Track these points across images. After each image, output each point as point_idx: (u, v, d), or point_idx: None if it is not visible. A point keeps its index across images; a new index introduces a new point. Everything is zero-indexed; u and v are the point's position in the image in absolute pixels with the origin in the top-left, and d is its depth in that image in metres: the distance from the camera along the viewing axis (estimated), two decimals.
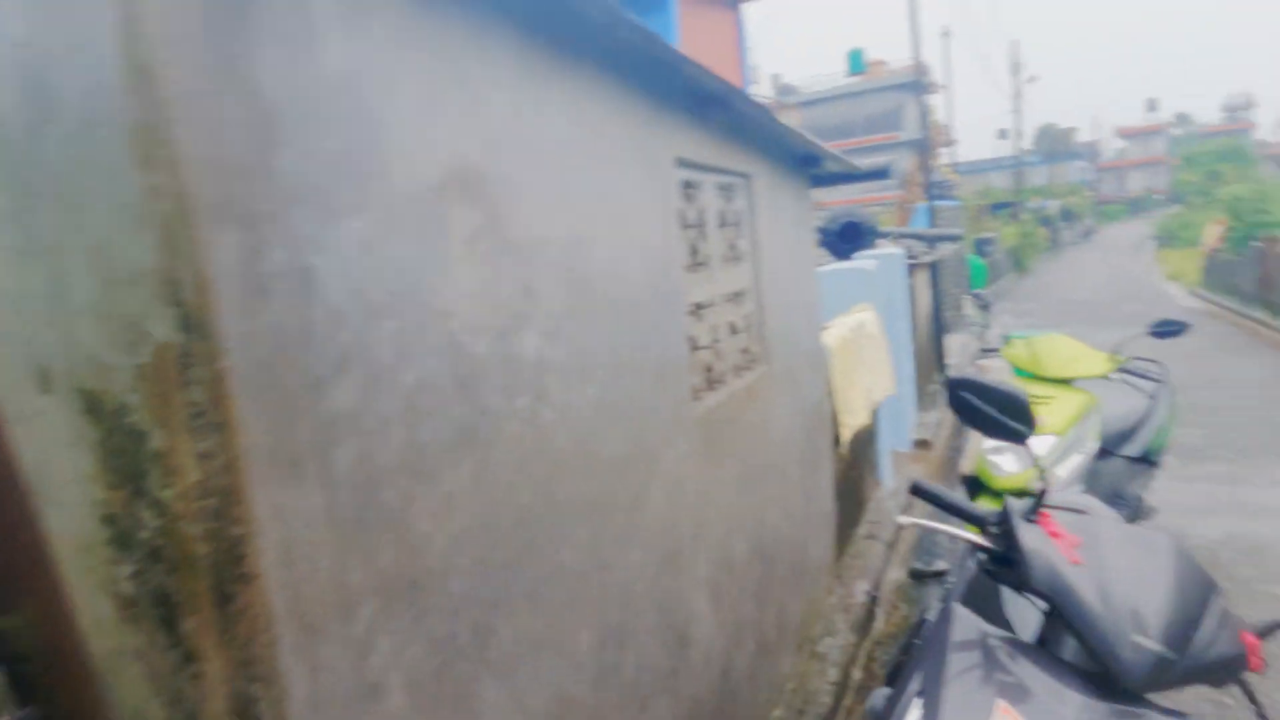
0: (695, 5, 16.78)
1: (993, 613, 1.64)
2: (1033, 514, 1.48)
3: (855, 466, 4.55)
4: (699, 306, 2.35)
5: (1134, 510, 4.16)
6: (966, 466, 3.75)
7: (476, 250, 1.33)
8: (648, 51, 1.80)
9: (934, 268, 8.84)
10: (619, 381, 1.78)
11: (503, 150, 1.41)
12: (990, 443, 3.67)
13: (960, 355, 9.27)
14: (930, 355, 8.12)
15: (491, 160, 1.37)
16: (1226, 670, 1.39)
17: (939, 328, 8.76)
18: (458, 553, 1.26)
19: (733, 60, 18.26)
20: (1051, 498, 2.21)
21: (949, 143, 35.02)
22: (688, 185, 2.30)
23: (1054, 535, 1.42)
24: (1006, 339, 4.37)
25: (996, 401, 1.51)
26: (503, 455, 1.37)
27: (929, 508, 1.79)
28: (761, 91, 35.25)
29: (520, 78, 1.46)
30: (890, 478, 5.42)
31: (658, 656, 1.91)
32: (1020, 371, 3.89)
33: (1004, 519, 1.46)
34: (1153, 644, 1.30)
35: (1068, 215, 41.91)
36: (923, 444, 6.54)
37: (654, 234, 2.00)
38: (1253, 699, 1.53)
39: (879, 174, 4.12)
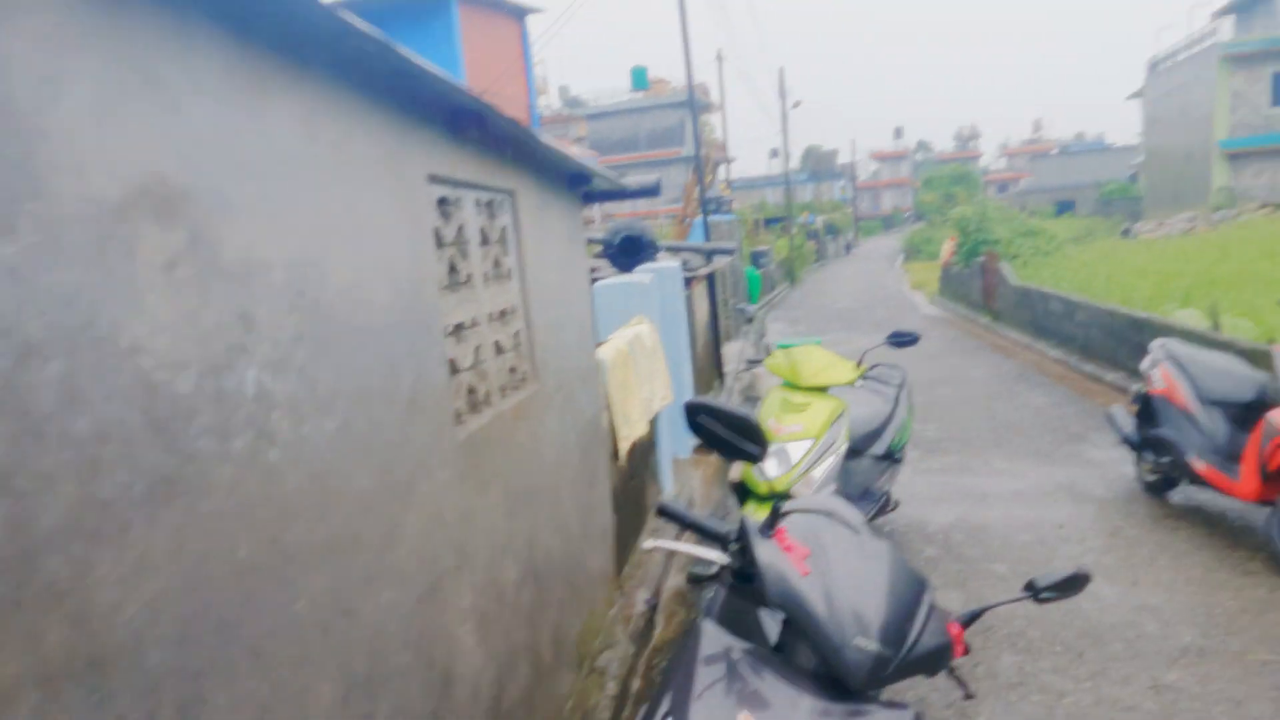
0: (478, 15, 16.57)
1: (751, 623, 1.70)
2: (769, 529, 1.55)
3: (636, 476, 4.64)
4: (460, 327, 2.28)
5: (882, 503, 4.57)
6: (734, 473, 3.93)
7: (177, 276, 1.18)
8: (388, 64, 1.71)
9: (711, 279, 9.29)
10: (365, 412, 1.67)
11: (211, 164, 1.27)
12: None
13: (738, 362, 9.80)
14: (709, 363, 8.51)
15: (195, 175, 1.23)
16: (938, 660, 1.53)
17: (717, 336, 9.21)
18: (156, 620, 1.11)
19: (518, 70, 18.22)
20: (797, 503, 2.36)
21: (727, 160, 37.05)
22: (444, 202, 2.22)
23: (787, 549, 1.51)
24: (771, 350, 4.66)
25: (731, 424, 1.57)
26: (216, 504, 1.23)
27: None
28: (549, 102, 35.47)
29: (232, 85, 1.32)
30: (672, 484, 5.60)
31: (417, 700, 1.82)
32: (782, 380, 4.15)
33: (742, 536, 1.52)
34: (873, 644, 1.40)
35: (832, 230, 45.73)
36: (703, 449, 6.83)
37: (403, 253, 1.91)
38: (960, 682, 1.69)
39: (649, 191, 4.24)
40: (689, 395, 6.72)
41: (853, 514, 2.30)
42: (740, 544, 1.53)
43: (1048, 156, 66.89)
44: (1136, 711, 3.07)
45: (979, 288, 14.73)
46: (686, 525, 1.65)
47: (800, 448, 3.76)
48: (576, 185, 3.51)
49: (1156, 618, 3.73)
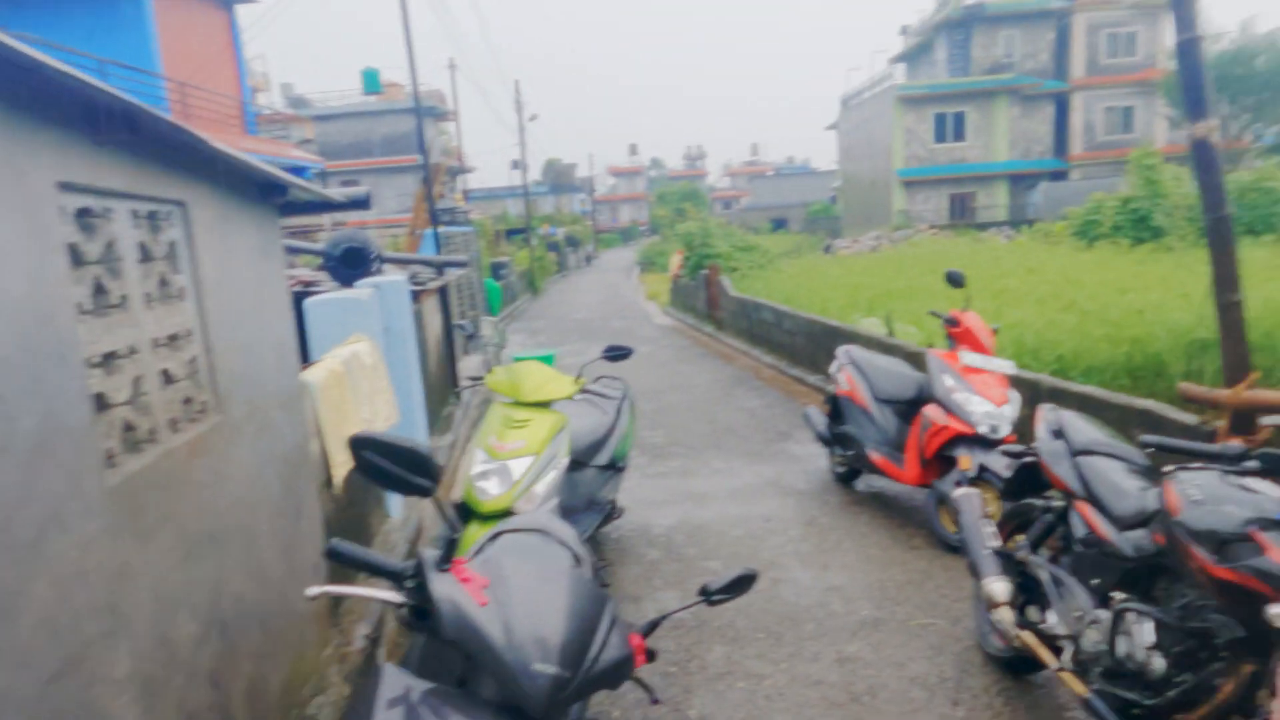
0: (178, 1, 14.94)
1: (453, 660, 1.65)
2: (446, 562, 1.52)
3: (356, 504, 4.39)
4: (113, 356, 2.01)
5: (608, 512, 4.72)
6: (456, 493, 3.85)
7: None
8: None
9: (443, 292, 9.08)
10: None
11: None
12: (478, 467, 3.82)
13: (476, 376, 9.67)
14: (443, 380, 8.31)
15: None
16: (620, 673, 1.58)
17: (452, 352, 9.02)
18: None
19: (226, 63, 16.68)
20: (512, 523, 2.34)
21: (464, 169, 36.58)
22: (87, 214, 1.94)
23: (464, 580, 1.48)
24: (509, 362, 4.64)
25: (399, 458, 1.52)
26: None
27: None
28: (271, 100, 32.83)
29: None
30: (400, 509, 5.38)
31: None
32: (504, 397, 4.14)
33: (418, 571, 1.48)
34: (551, 667, 1.41)
35: (572, 242, 46.81)
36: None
37: (20, 273, 1.64)
38: (646, 688, 1.77)
39: (359, 203, 4.04)
40: (420, 414, 6.50)
41: (565, 531, 2.33)
42: (417, 580, 1.48)
43: (764, 178, 73.45)
44: (824, 684, 3.41)
45: (704, 299, 15.78)
46: (358, 565, 1.57)
47: (522, 464, 3.77)
48: (271, 196, 3.25)
49: (841, 596, 4.19)
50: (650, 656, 1.71)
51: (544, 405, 4.06)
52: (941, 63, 37.20)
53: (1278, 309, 7.11)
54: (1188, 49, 3.81)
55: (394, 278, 6.61)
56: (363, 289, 5.62)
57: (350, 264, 6.85)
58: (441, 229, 12.60)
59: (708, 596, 1.81)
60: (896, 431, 5.27)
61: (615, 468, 4.79)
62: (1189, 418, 4.42)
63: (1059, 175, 35.02)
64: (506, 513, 3.67)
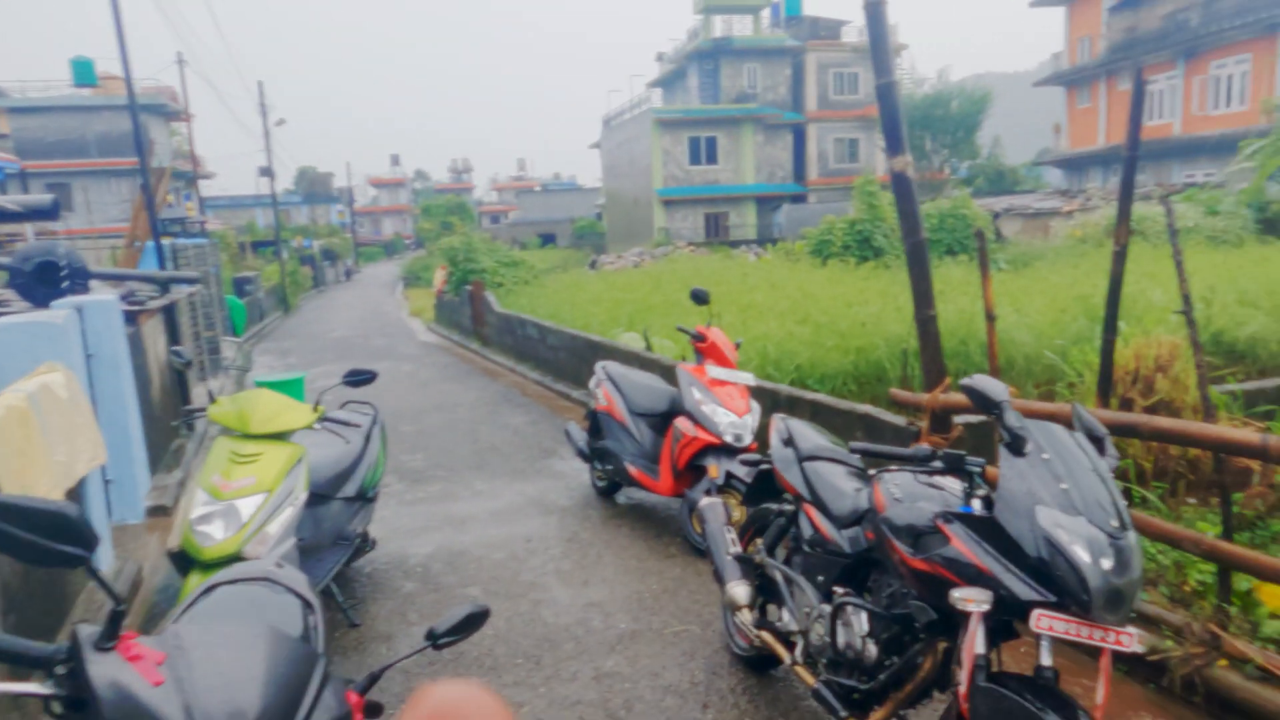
0: None
1: None
2: (110, 639, 1.30)
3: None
4: None
5: (358, 546, 4.43)
6: (174, 540, 3.43)
7: None
8: None
9: (169, 312, 8.15)
10: None
11: None
12: (198, 509, 3.43)
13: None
14: (169, 410, 7.43)
15: None
16: None
17: (180, 378, 8.10)
18: None
19: None
20: (232, 573, 2.10)
21: (202, 175, 33.33)
22: None
23: (134, 658, 1.28)
24: (249, 387, 4.20)
25: (36, 523, 1.27)
26: None
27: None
28: None
29: None
30: (112, 560, 4.71)
31: None
32: (229, 430, 3.75)
33: (72, 653, 1.25)
34: None
35: (330, 255, 44.18)
36: (161, 511, 5.91)
37: None
38: None
39: (43, 211, 3.48)
40: (138, 451, 5.76)
41: (293, 577, 2.11)
42: (71, 664, 1.25)
43: (532, 193, 73.76)
44: (581, 704, 3.41)
45: (469, 315, 15.50)
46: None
47: (252, 503, 3.43)
48: None
49: (601, 611, 4.23)
50: (373, 711, 1.59)
51: (278, 437, 3.72)
52: (694, 89, 39.50)
53: (969, 319, 8.21)
54: (885, 92, 4.28)
55: (102, 297, 5.82)
56: (58, 310, 4.89)
57: (45, 281, 5.96)
58: (170, 240, 11.33)
59: (434, 640, 1.72)
60: (652, 444, 5.44)
61: (365, 498, 4.51)
62: (900, 420, 4.95)
63: (799, 198, 38.39)
64: (234, 558, 3.32)
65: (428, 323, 19.81)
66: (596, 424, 5.93)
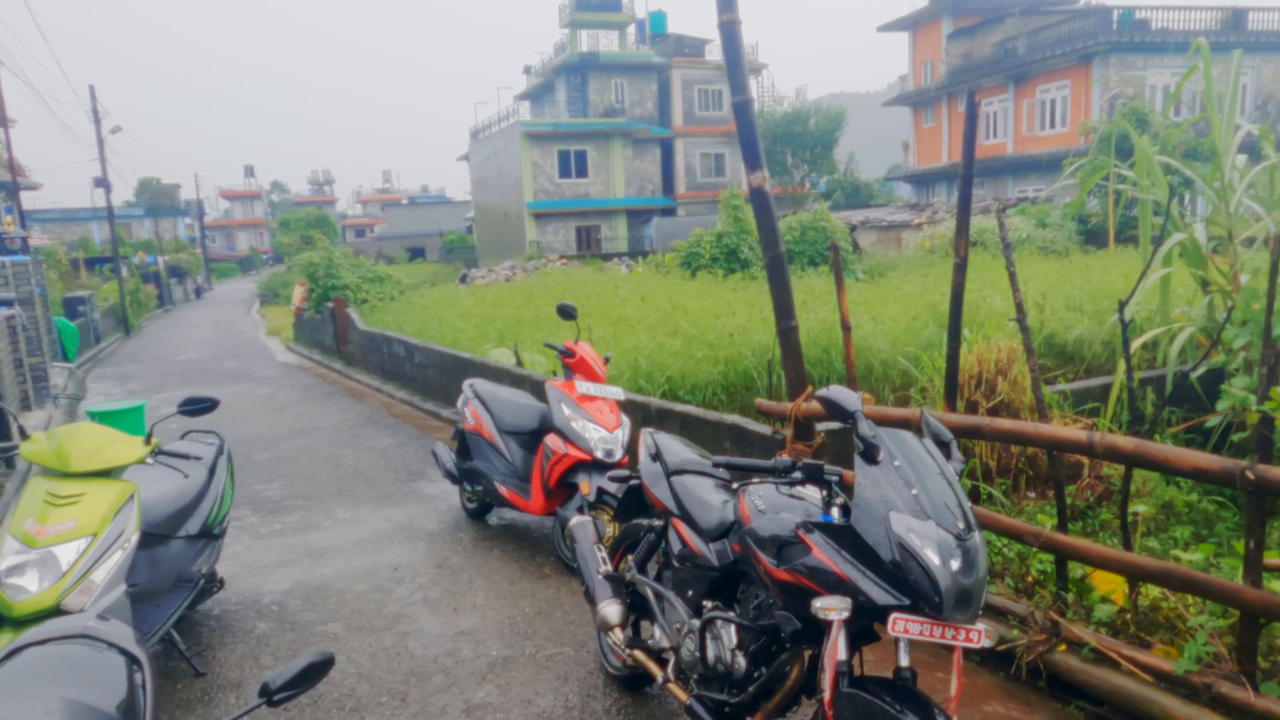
0: None
1: None
2: None
3: None
4: None
5: (202, 587, 4.10)
6: None
7: None
8: None
9: None
10: None
11: None
12: (8, 559, 3.07)
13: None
14: None
15: None
16: None
17: None
18: None
19: None
20: (43, 631, 1.87)
21: (24, 185, 30.45)
22: None
23: None
24: (79, 417, 3.79)
25: None
26: None
27: None
28: None
29: None
30: None
31: None
32: (48, 470, 3.38)
33: None
34: None
35: (177, 272, 41.35)
36: None
37: None
38: None
39: None
40: None
41: (117, 631, 1.90)
42: None
43: (399, 206, 71.76)
44: None
45: (332, 333, 14.83)
46: None
47: (73, 549, 3.10)
48: None
49: (472, 639, 4.08)
50: None
51: (104, 474, 3.39)
52: (563, 103, 39.57)
53: (829, 328, 8.53)
54: (741, 110, 4.38)
55: None
56: None
57: None
58: None
59: (269, 697, 1.58)
60: (522, 463, 5.33)
61: (210, 535, 4.18)
62: (765, 429, 5.06)
63: (669, 211, 39.08)
64: (51, 613, 2.99)
65: (287, 342, 18.83)
66: (465, 444, 5.76)
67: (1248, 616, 2.85)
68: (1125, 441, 3.14)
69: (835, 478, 2.49)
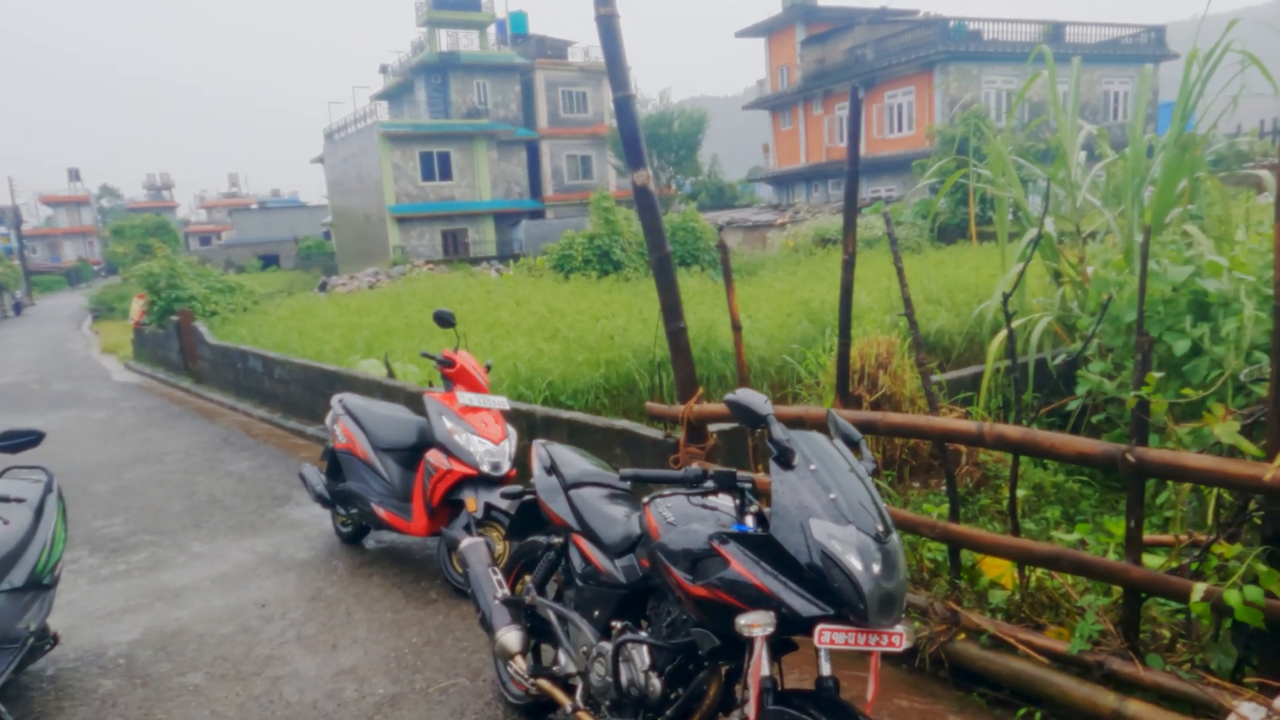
0: None
1: None
2: None
3: None
4: None
5: (30, 646, 3.57)
6: None
7: None
8: None
9: None
10: None
11: None
12: None
13: None
14: None
15: None
16: None
17: None
18: None
19: None
20: None
21: None
22: None
23: None
24: None
25: None
26: None
27: None
28: None
29: None
30: None
31: None
32: None
33: None
34: None
35: None
36: None
37: None
38: None
39: None
40: None
41: None
42: None
43: (248, 211, 67.78)
44: None
45: (178, 349, 13.70)
46: None
47: None
48: None
49: (354, 678, 3.75)
50: None
51: None
52: (423, 103, 38.43)
53: (709, 327, 8.57)
54: (623, 106, 4.25)
55: None
56: None
57: None
58: None
59: None
60: (401, 481, 5.00)
61: (39, 585, 3.65)
62: (657, 433, 4.95)
63: (537, 214, 38.69)
64: None
65: (125, 360, 17.27)
66: (336, 464, 5.36)
67: (1131, 593, 2.97)
68: (1013, 431, 3.21)
69: (749, 485, 2.39)
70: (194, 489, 7.08)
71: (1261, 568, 2.59)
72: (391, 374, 7.93)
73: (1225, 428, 2.76)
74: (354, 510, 5.20)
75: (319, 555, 5.35)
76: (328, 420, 5.55)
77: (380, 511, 4.93)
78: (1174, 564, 3.03)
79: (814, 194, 36.58)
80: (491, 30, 40.47)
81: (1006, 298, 3.78)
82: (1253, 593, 2.55)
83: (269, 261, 48.94)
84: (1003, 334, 5.52)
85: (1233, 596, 2.56)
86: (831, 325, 7.15)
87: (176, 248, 40.03)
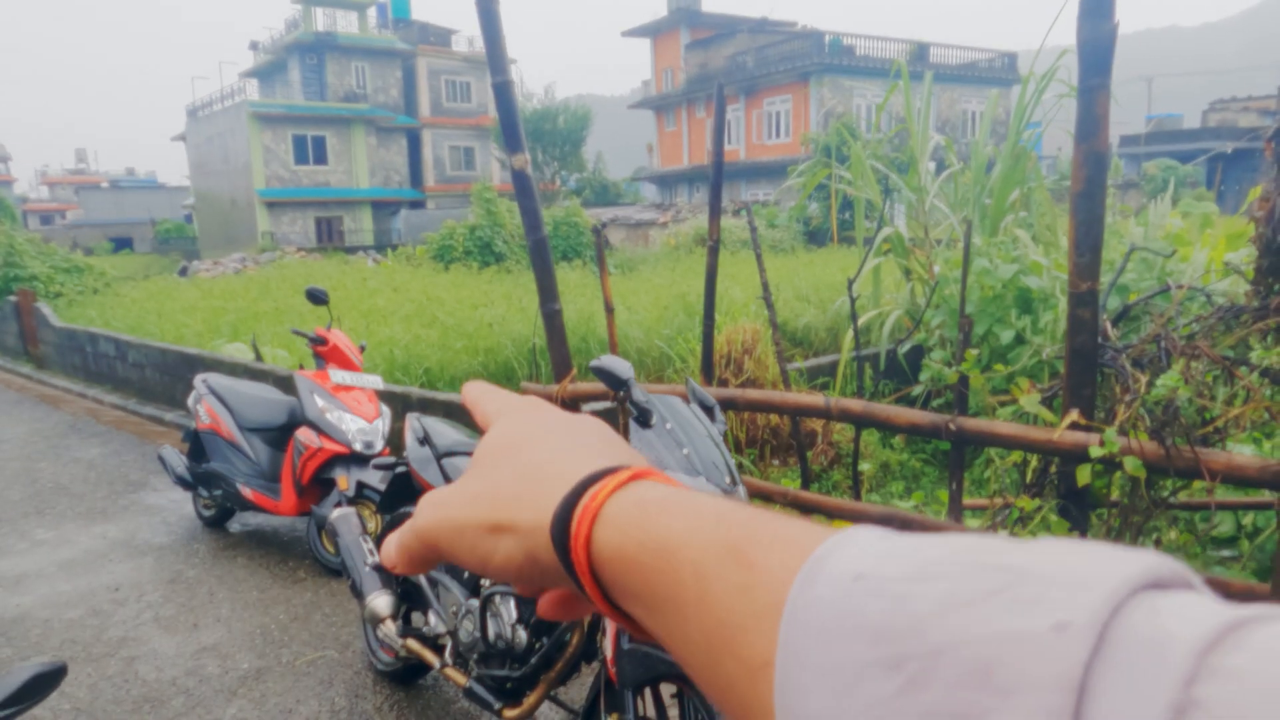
0: None
1: None
2: None
3: None
4: None
5: None
6: None
7: None
8: None
9: None
10: None
11: None
12: None
13: None
14: None
15: None
16: None
17: None
18: None
19: None
20: None
21: None
22: None
23: None
24: None
25: None
26: None
27: None
28: None
29: None
30: None
31: None
32: None
33: None
34: None
35: None
36: None
37: None
38: None
39: None
40: None
41: None
42: None
43: (98, 190, 62.92)
44: None
45: (16, 332, 12.69)
46: None
47: None
48: None
49: (217, 655, 3.70)
50: None
51: None
52: (297, 84, 36.85)
53: (588, 317, 8.74)
54: (502, 91, 4.35)
55: None
56: None
57: None
58: None
59: None
60: (269, 461, 4.91)
61: None
62: None
63: (417, 204, 37.81)
64: None
65: None
66: (199, 445, 5.20)
67: None
68: (855, 404, 3.53)
69: None
70: (37, 476, 6.65)
71: (1055, 518, 2.99)
72: (259, 357, 7.69)
73: (1029, 399, 3.15)
74: (218, 492, 5.06)
75: (178, 539, 5.17)
76: (190, 401, 5.37)
77: (247, 492, 4.83)
78: (988, 522, 3.42)
79: (696, 194, 37.42)
80: (372, 13, 39.23)
81: (852, 283, 4.12)
82: None
83: (121, 245, 45.65)
84: (858, 324, 5.95)
85: None
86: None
87: (12, 225, 36.80)
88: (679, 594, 0.33)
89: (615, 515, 0.36)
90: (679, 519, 0.34)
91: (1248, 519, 3.30)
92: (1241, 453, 2.91)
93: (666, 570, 0.34)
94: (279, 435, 4.92)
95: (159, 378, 8.98)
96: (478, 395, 0.51)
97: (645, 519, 0.35)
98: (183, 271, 24.61)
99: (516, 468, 0.42)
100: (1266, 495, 3.03)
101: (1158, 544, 3.38)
